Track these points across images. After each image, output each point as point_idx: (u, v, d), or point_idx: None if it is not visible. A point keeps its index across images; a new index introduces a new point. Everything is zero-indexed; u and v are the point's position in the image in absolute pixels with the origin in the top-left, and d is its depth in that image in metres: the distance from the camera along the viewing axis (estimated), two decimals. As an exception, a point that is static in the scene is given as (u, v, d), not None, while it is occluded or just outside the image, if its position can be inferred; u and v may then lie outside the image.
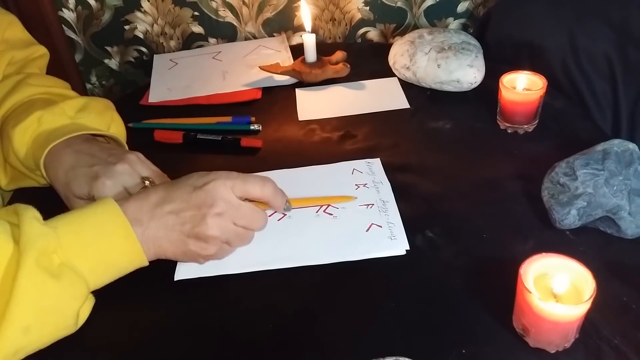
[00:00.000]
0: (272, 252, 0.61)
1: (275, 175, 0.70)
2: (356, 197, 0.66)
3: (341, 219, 0.65)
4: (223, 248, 0.57)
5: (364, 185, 0.69)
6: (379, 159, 0.74)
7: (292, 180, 0.71)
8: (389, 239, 0.61)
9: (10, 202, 0.72)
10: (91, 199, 0.60)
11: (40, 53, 0.78)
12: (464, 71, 0.84)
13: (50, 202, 0.69)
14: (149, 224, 0.54)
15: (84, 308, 0.52)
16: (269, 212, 0.66)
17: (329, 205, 0.66)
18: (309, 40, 0.90)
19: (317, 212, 0.66)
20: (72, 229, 0.51)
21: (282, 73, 0.93)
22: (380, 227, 0.63)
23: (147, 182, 0.60)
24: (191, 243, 0.55)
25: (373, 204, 0.66)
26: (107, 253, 0.52)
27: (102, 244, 0.52)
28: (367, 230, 0.63)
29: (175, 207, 0.54)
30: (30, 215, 0.50)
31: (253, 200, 0.58)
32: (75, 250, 0.51)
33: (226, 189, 0.55)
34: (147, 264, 0.55)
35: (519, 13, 0.92)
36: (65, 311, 0.50)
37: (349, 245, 0.61)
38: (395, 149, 0.77)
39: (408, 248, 0.60)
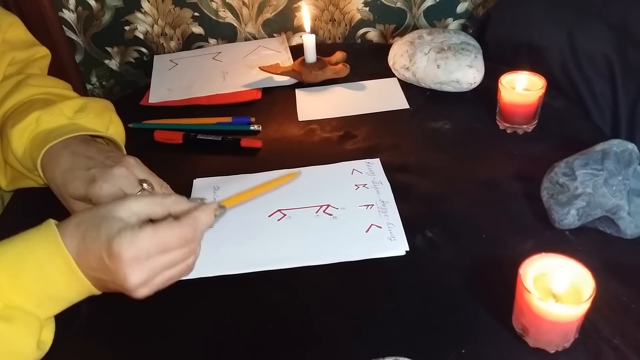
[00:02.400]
0: (272, 252, 0.61)
1: (275, 175, 0.70)
2: (300, 172, 0.62)
3: (341, 219, 0.65)
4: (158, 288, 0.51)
5: (364, 185, 0.69)
6: (378, 159, 0.74)
7: (291, 181, 0.71)
8: (388, 240, 0.61)
9: (10, 203, 0.72)
10: (87, 201, 0.60)
11: (42, 54, 0.78)
12: (463, 71, 0.84)
13: (50, 202, 0.69)
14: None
15: (45, 335, 0.51)
16: (270, 212, 0.66)
17: (328, 205, 0.66)
18: (308, 41, 0.90)
19: (316, 212, 0.66)
20: (12, 270, 0.48)
21: (282, 73, 0.93)
22: (380, 227, 0.63)
23: (144, 185, 0.59)
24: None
25: (373, 205, 0.66)
26: (52, 289, 0.49)
27: (45, 281, 0.48)
28: (367, 231, 0.63)
29: (93, 273, 0.49)
30: None
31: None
32: (18, 292, 0.48)
33: (133, 264, 0.48)
34: (98, 292, 0.50)
35: (518, 13, 0.92)
36: (23, 349, 0.48)
37: (348, 245, 0.61)
38: (394, 149, 0.77)
39: (408, 249, 0.60)
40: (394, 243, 0.61)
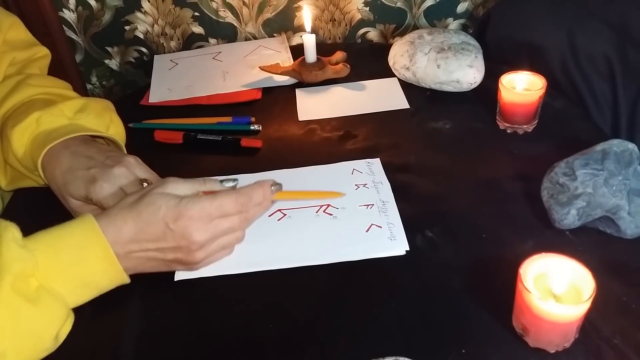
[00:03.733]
0: (272, 252, 0.61)
1: (275, 175, 0.70)
2: (344, 194, 0.64)
3: (341, 219, 0.65)
4: (211, 258, 0.58)
5: (364, 185, 0.69)
6: (378, 159, 0.74)
7: (292, 180, 0.71)
8: (388, 240, 0.61)
9: (10, 203, 0.72)
10: (88, 201, 0.60)
11: (42, 54, 0.78)
12: (463, 71, 0.84)
13: (50, 203, 0.69)
14: (126, 257, 0.53)
15: (64, 328, 0.52)
16: (270, 211, 0.66)
17: (328, 205, 0.66)
18: (309, 41, 0.90)
19: (317, 212, 0.66)
20: (50, 251, 0.50)
21: (282, 73, 0.93)
22: (380, 227, 0.63)
23: (144, 185, 0.60)
24: (176, 266, 0.57)
25: (373, 204, 0.66)
26: (86, 274, 0.52)
27: (81, 265, 0.51)
28: (367, 230, 0.63)
29: (153, 245, 0.54)
30: (9, 237, 0.49)
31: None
32: (54, 273, 0.50)
33: (198, 223, 0.54)
34: (128, 281, 0.54)
35: (519, 13, 0.92)
36: (43, 335, 0.49)
37: (348, 245, 0.61)
38: (395, 149, 0.77)
39: (408, 249, 0.60)
40: (394, 243, 0.61)
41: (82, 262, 0.51)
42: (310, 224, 0.64)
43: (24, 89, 0.68)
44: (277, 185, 0.58)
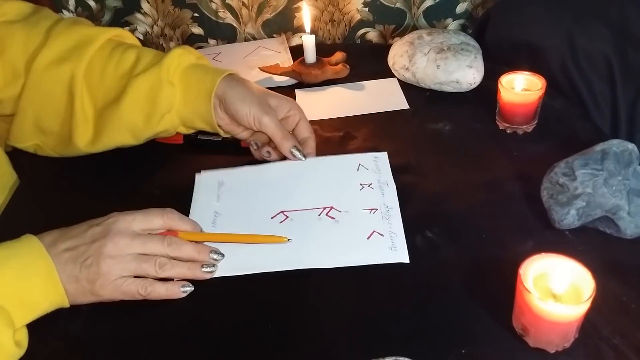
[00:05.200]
0: (273, 255, 0.61)
1: (277, 167, 0.70)
2: (289, 240, 0.62)
3: (343, 223, 0.64)
4: (139, 281, 0.55)
5: (369, 185, 0.69)
6: (386, 153, 0.73)
7: (295, 172, 0.70)
8: (389, 250, 0.60)
9: (14, 196, 0.72)
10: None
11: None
12: (463, 72, 0.84)
13: (50, 203, 0.69)
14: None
15: (20, 335, 0.51)
16: (272, 213, 0.65)
17: (331, 208, 0.66)
18: (308, 41, 0.90)
19: (319, 215, 0.65)
20: None
21: (281, 74, 0.93)
22: (382, 235, 0.62)
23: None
24: (87, 281, 0.53)
25: (377, 209, 0.65)
26: (28, 293, 0.50)
27: (23, 285, 0.50)
28: (369, 237, 0.62)
29: (70, 244, 0.53)
30: None
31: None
32: None
33: (125, 222, 0.55)
34: (67, 305, 0.53)
35: (518, 14, 0.92)
36: (1, 341, 0.48)
37: (349, 251, 0.61)
38: (395, 149, 0.77)
39: (408, 261, 0.59)
40: (394, 253, 0.60)
41: (24, 281, 0.50)
42: (312, 228, 0.64)
43: (93, 32, 0.70)
44: (218, 256, 0.60)
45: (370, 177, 0.70)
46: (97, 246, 0.53)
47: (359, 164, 0.72)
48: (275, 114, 0.69)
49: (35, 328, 0.52)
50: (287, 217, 0.65)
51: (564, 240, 0.61)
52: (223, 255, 0.60)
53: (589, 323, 0.51)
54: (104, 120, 0.69)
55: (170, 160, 0.76)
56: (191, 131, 0.74)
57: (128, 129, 0.69)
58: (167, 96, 0.67)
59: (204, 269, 0.58)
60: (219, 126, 0.70)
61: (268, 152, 0.72)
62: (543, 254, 0.50)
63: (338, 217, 0.65)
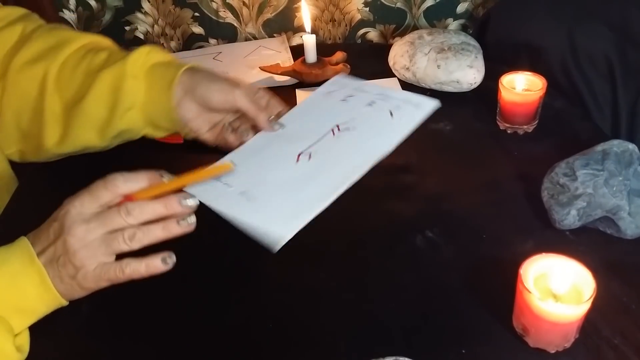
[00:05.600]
0: (325, 184, 0.57)
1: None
2: (233, 165, 0.60)
3: (359, 127, 0.64)
4: (110, 262, 0.51)
5: (350, 96, 0.70)
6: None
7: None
8: (414, 108, 0.61)
9: (14, 196, 0.72)
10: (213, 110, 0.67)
11: (23, 12, 0.75)
12: (463, 72, 0.84)
13: (50, 204, 0.69)
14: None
15: (21, 339, 0.51)
16: (294, 158, 0.63)
17: (337, 126, 0.65)
18: (309, 41, 0.90)
19: (333, 135, 0.64)
20: None
21: (282, 74, 0.93)
22: (399, 107, 0.63)
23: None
24: (69, 277, 0.50)
25: (375, 102, 0.66)
26: (23, 300, 0.50)
27: (16, 293, 0.50)
28: (391, 115, 0.63)
29: (40, 247, 0.51)
30: None
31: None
32: None
33: (75, 209, 0.50)
34: (66, 303, 0.52)
35: (518, 14, 0.92)
36: (2, 347, 0.48)
37: (384, 135, 0.61)
38: (395, 149, 0.76)
39: (439, 104, 0.62)
40: (421, 108, 0.62)
41: (17, 289, 0.49)
42: (333, 148, 0.62)
43: (72, 35, 0.70)
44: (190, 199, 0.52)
45: (344, 92, 0.71)
46: (60, 243, 0.50)
47: (327, 91, 0.73)
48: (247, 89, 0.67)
49: (35, 328, 0.52)
50: (309, 155, 0.63)
51: (564, 241, 0.61)
52: (195, 198, 0.52)
53: (590, 323, 0.51)
54: (70, 117, 0.68)
55: (171, 160, 0.76)
56: (159, 133, 0.72)
57: (93, 125, 0.68)
58: (130, 89, 0.66)
59: (181, 223, 0.51)
60: (185, 123, 0.68)
61: (246, 130, 0.69)
62: (543, 254, 0.50)
63: (351, 125, 0.65)
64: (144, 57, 0.68)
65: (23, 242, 0.51)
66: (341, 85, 0.71)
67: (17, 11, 0.74)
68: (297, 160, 0.63)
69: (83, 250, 0.49)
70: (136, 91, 0.66)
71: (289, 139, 0.67)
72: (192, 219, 0.52)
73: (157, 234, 0.51)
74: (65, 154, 0.71)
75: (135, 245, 0.50)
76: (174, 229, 0.51)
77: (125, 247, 0.50)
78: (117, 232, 0.50)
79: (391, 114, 0.61)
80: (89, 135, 0.69)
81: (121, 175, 0.52)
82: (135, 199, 0.51)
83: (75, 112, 0.67)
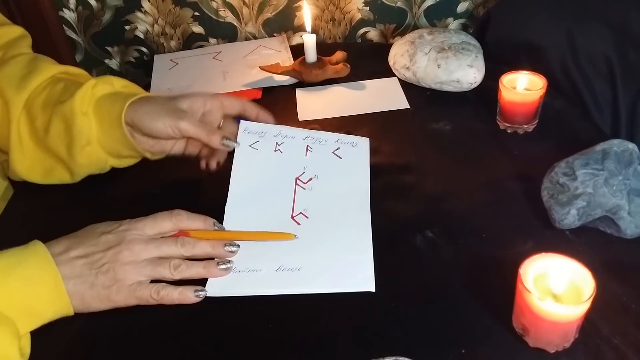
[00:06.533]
0: (350, 236, 0.61)
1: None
2: (295, 236, 0.61)
3: (321, 174, 0.66)
4: (152, 285, 0.55)
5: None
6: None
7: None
8: (352, 147, 0.65)
9: (9, 204, 0.72)
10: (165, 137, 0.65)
11: (19, 33, 0.75)
12: (464, 71, 0.84)
13: (50, 204, 0.69)
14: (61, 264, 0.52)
15: (24, 342, 0.51)
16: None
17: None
18: (309, 41, 0.90)
19: (304, 190, 0.66)
20: (1, 277, 0.50)
21: (282, 73, 0.93)
22: (339, 149, 0.66)
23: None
24: (102, 286, 0.53)
25: (312, 147, 0.67)
26: (34, 302, 0.51)
27: (29, 294, 0.50)
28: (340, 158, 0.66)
29: (82, 251, 0.54)
30: None
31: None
32: (1, 299, 0.49)
33: (136, 229, 0.56)
34: (72, 314, 0.53)
35: (519, 13, 0.92)
36: (8, 353, 0.48)
37: (354, 174, 0.64)
38: (395, 149, 0.77)
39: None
40: (358, 147, 0.64)
41: (30, 290, 0.50)
42: (319, 200, 0.65)
43: (44, 65, 0.69)
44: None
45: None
46: (112, 253, 0.54)
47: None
48: (192, 115, 0.65)
49: (35, 328, 0.52)
50: (304, 215, 0.64)
51: (564, 240, 0.61)
52: (238, 246, 0.59)
53: (589, 323, 0.51)
54: (39, 151, 0.67)
55: (171, 160, 0.76)
56: (126, 161, 0.70)
57: (57, 160, 0.67)
58: (82, 127, 0.64)
59: (219, 267, 0.58)
60: (147, 150, 0.67)
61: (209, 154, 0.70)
62: (543, 253, 0.50)
63: (311, 174, 0.67)
64: (90, 91, 0.65)
65: (38, 246, 0.53)
66: (257, 133, 0.69)
67: (10, 33, 0.73)
68: (298, 224, 0.64)
69: (131, 265, 0.54)
70: (88, 128, 0.65)
71: (268, 202, 0.66)
72: (230, 265, 0.58)
73: (199, 270, 0.57)
74: (38, 182, 0.70)
75: (177, 275, 0.56)
76: (213, 270, 0.57)
77: (167, 274, 0.55)
78: (165, 260, 0.56)
79: (339, 156, 0.63)
80: (59, 170, 0.69)
81: (185, 212, 0.59)
82: (189, 235, 0.58)
83: (41, 146, 0.67)
